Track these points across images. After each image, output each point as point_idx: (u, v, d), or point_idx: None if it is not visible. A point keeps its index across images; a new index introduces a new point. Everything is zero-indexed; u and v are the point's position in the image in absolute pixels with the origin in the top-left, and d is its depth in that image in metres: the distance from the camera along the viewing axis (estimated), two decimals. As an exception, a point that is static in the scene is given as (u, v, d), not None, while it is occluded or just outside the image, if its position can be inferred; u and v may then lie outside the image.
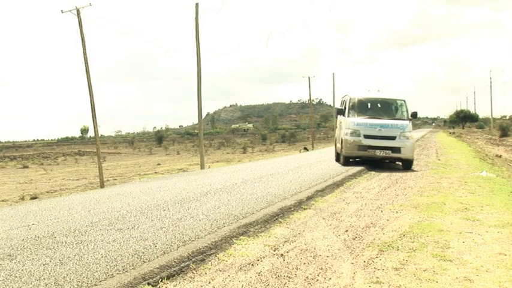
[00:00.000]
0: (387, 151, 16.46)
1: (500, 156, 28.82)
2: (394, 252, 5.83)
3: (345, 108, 18.10)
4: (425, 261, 5.40)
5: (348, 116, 17.45)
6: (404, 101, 17.88)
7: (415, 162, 17.84)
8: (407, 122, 17.04)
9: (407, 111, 17.53)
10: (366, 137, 16.64)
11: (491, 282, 4.65)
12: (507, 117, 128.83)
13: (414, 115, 17.46)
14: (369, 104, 18.03)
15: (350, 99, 17.94)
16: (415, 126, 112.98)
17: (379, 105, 17.96)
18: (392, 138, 16.47)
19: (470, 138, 54.76)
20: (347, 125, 17.12)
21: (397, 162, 18.00)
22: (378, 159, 17.01)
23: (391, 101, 18.15)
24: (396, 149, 16.44)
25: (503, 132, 63.25)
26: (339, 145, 18.33)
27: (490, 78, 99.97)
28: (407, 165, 16.68)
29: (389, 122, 16.81)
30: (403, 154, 16.50)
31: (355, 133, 16.77)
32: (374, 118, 17.11)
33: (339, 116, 19.03)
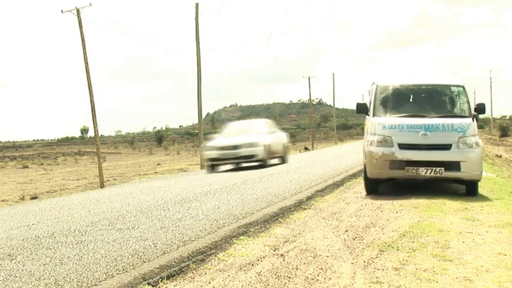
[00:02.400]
0: (438, 168, 10.04)
1: (500, 156, 28.83)
2: (394, 252, 5.83)
3: (370, 103, 11.60)
4: (425, 261, 5.40)
5: (374, 115, 11.09)
6: (463, 87, 11.25)
7: None
8: (469, 120, 10.52)
9: (468, 102, 10.98)
10: (403, 147, 10.32)
11: (491, 282, 4.65)
12: (507, 117, 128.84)
13: (480, 109, 10.76)
14: (408, 95, 11.80)
15: (377, 87, 11.52)
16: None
17: (423, 96, 11.76)
18: (446, 147, 10.17)
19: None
20: (372, 129, 10.80)
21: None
22: (424, 181, 10.86)
23: (443, 88, 11.66)
24: (453, 165, 10.09)
25: (503, 132, 63.30)
26: (364, 160, 11.38)
27: (490, 78, 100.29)
28: (471, 188, 10.29)
29: (441, 121, 10.44)
30: (465, 172, 10.04)
31: (384, 142, 10.48)
32: (415, 117, 10.73)
33: (366, 117, 11.79)
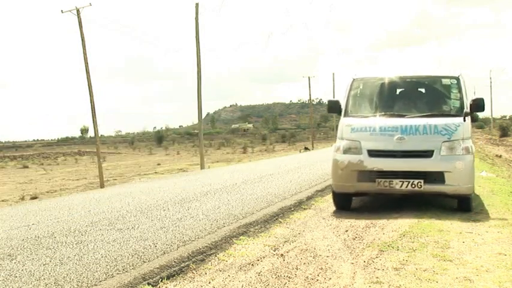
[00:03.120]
0: (416, 181, 8.06)
1: (500, 156, 28.83)
2: (394, 252, 5.83)
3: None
4: (425, 261, 5.40)
5: (345, 115, 9.09)
6: (457, 79, 8.97)
7: None
8: (459, 120, 8.36)
9: (461, 98, 8.74)
10: (373, 154, 8.40)
11: (491, 282, 4.65)
12: (507, 117, 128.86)
13: (478, 105, 8.56)
14: (388, 90, 9.55)
15: (353, 81, 9.50)
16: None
17: (406, 91, 9.64)
18: (427, 154, 8.16)
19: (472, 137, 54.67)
20: (340, 133, 8.97)
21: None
22: (400, 196, 8.99)
23: (431, 80, 9.46)
24: (435, 176, 8.07)
25: (503, 132, 63.29)
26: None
27: (490, 78, 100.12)
28: (463, 204, 8.36)
29: (422, 121, 8.37)
30: (451, 185, 8.01)
31: (352, 148, 8.60)
32: (392, 116, 8.78)
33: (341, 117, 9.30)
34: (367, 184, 8.36)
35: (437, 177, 8.05)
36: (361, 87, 9.59)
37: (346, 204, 8.98)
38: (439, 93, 9.26)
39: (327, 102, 9.59)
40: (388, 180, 8.20)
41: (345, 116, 9.05)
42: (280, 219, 8.17)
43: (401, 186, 8.13)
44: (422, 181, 8.03)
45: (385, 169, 8.25)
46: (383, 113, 8.93)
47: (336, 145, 8.83)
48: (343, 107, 9.13)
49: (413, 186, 8.08)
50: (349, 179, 8.48)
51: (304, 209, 9.16)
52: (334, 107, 9.30)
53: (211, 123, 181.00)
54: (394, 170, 8.21)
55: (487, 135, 67.62)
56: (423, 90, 9.59)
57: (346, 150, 8.61)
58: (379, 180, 8.23)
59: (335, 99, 9.54)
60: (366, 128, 8.60)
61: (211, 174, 17.41)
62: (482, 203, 9.04)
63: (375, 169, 8.29)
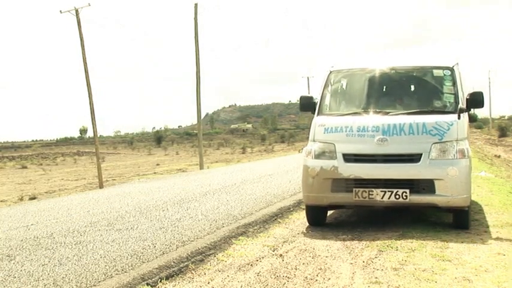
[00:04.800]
0: (401, 191, 6.73)
1: (499, 157, 28.87)
2: (393, 252, 5.83)
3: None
4: (424, 261, 5.40)
5: (319, 113, 7.75)
6: (451, 69, 7.60)
7: None
8: (452, 117, 7.00)
9: (456, 93, 7.38)
10: (350, 159, 7.09)
11: (490, 282, 4.65)
12: (506, 118, 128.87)
13: (476, 100, 7.35)
14: (370, 83, 8.02)
15: (329, 74, 8.11)
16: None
17: (391, 84, 8.10)
18: (413, 158, 6.85)
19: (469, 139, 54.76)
20: (312, 134, 7.56)
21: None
22: (382, 209, 7.63)
23: (421, 71, 8.05)
24: (423, 185, 6.79)
25: (502, 133, 63.29)
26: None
27: (489, 78, 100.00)
28: (458, 219, 7.11)
29: (408, 119, 7.04)
30: (443, 196, 6.69)
31: (325, 152, 7.25)
32: (371, 113, 7.47)
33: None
34: (343, 195, 7.03)
35: (426, 186, 6.75)
36: (339, 80, 8.24)
37: (320, 218, 7.73)
38: (429, 86, 7.86)
39: (299, 99, 8.15)
40: (367, 190, 6.83)
41: (318, 114, 7.70)
42: (279, 220, 8.17)
43: (383, 197, 6.76)
44: (408, 191, 6.69)
45: (363, 177, 6.94)
46: (362, 110, 7.60)
47: (307, 148, 7.46)
48: (317, 104, 7.82)
49: (397, 197, 6.71)
50: (322, 189, 7.14)
51: (304, 209, 9.15)
52: (307, 104, 7.99)
53: (210, 124, 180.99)
54: (375, 177, 6.90)
55: (485, 135, 67.66)
56: (411, 82, 8.16)
57: (319, 155, 7.25)
58: (357, 190, 6.87)
59: (309, 95, 8.24)
60: (342, 128, 7.24)
61: (210, 175, 17.41)
62: (481, 203, 9.05)
63: (351, 177, 6.97)
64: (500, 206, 8.79)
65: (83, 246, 6.42)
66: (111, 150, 72.58)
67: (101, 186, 22.30)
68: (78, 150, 75.83)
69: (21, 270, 5.42)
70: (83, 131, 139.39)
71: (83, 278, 5.07)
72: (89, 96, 25.47)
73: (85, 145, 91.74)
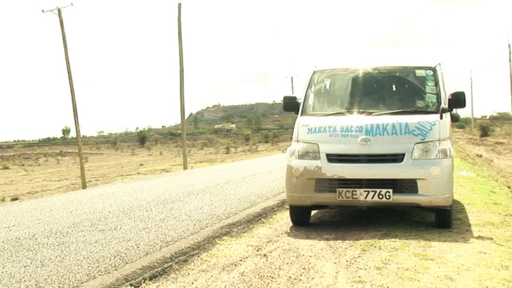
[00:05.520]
0: (384, 191, 6.86)
1: (480, 156, 29.14)
2: (377, 251, 5.86)
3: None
4: (407, 260, 5.44)
5: (303, 114, 7.85)
6: (433, 69, 7.77)
7: None
8: (434, 117, 7.17)
9: (438, 93, 7.53)
10: (333, 159, 7.18)
11: (472, 281, 4.70)
12: (487, 117, 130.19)
13: (458, 100, 7.45)
14: (353, 83, 8.14)
15: (313, 74, 8.26)
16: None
17: (373, 84, 8.27)
18: (396, 158, 6.97)
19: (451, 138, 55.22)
20: (295, 134, 7.67)
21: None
22: (366, 209, 7.63)
23: (403, 71, 8.15)
24: (406, 185, 6.90)
25: (484, 132, 63.84)
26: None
27: (471, 78, 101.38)
28: (441, 218, 7.19)
29: (391, 119, 7.17)
30: (425, 195, 6.79)
31: (309, 152, 7.34)
32: (354, 113, 7.59)
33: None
34: (327, 195, 7.11)
35: (408, 185, 6.83)
36: (322, 80, 8.34)
37: (303, 218, 7.78)
38: (412, 86, 7.95)
39: (283, 99, 8.15)
40: (351, 190, 6.92)
41: (302, 114, 7.78)
42: (263, 220, 8.18)
43: (366, 197, 6.87)
44: (391, 191, 6.80)
45: (347, 177, 7.00)
46: (345, 110, 7.70)
47: (291, 149, 7.54)
48: (301, 104, 7.90)
49: (380, 197, 6.81)
50: (306, 189, 7.20)
51: (287, 209, 9.16)
52: (291, 104, 8.05)
53: (194, 124, 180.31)
54: (358, 177, 6.98)
55: (467, 135, 68.27)
56: (394, 82, 8.26)
57: (302, 155, 7.32)
58: (341, 190, 6.96)
59: (292, 95, 8.33)
60: (325, 128, 7.31)
61: (194, 175, 17.37)
62: (463, 203, 9.13)
63: (335, 177, 7.04)
64: (482, 205, 8.88)
65: (65, 247, 6.38)
66: (94, 151, 72.07)
67: (84, 187, 22.14)
68: (60, 150, 75.17)
69: (2, 272, 5.36)
70: (66, 131, 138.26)
71: (65, 279, 5.04)
72: (72, 96, 25.28)
73: (68, 145, 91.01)
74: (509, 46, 59.71)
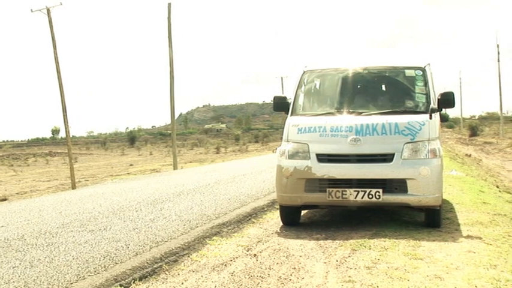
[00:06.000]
0: (374, 191, 6.86)
1: (469, 156, 29.30)
2: (366, 251, 5.88)
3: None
4: (397, 259, 5.46)
5: (293, 114, 7.90)
6: (423, 69, 7.81)
7: None
8: (424, 117, 7.19)
9: (427, 93, 7.58)
10: (323, 159, 7.18)
11: (461, 280, 4.72)
12: (476, 117, 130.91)
13: (447, 100, 7.49)
14: (343, 83, 8.15)
15: (303, 74, 8.30)
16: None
17: (363, 84, 8.23)
18: (386, 158, 6.98)
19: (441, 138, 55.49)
20: (285, 134, 7.65)
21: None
22: (356, 209, 7.78)
23: (393, 71, 8.22)
24: (395, 185, 6.91)
25: (473, 132, 64.31)
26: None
27: (460, 78, 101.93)
28: (430, 218, 7.22)
29: (381, 119, 7.19)
30: (415, 195, 6.80)
31: (299, 152, 7.34)
32: (344, 113, 7.59)
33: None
34: (317, 195, 7.11)
35: (398, 185, 6.85)
36: (312, 80, 8.34)
37: (294, 218, 7.80)
38: (401, 86, 7.97)
39: (273, 99, 8.19)
40: (340, 190, 6.93)
41: (292, 114, 7.83)
42: (253, 219, 8.18)
43: (356, 197, 6.87)
44: (381, 191, 6.80)
45: (337, 177, 6.99)
46: (335, 110, 7.72)
47: (281, 149, 7.51)
48: (291, 104, 7.94)
49: (370, 196, 6.82)
50: (296, 189, 7.20)
51: (277, 208, 9.17)
52: (281, 104, 8.08)
53: (184, 124, 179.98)
54: (348, 177, 6.98)
55: (457, 134, 68.68)
56: (383, 82, 8.27)
57: (292, 155, 7.32)
58: (330, 190, 6.96)
59: (283, 95, 8.36)
60: (315, 128, 7.32)
61: (184, 175, 17.34)
62: (452, 202, 9.18)
63: (325, 177, 7.04)
64: (471, 204, 8.93)
65: (54, 247, 6.34)
66: (83, 151, 71.79)
67: (73, 187, 22.03)
68: (50, 150, 74.76)
69: (-9, 273, 5.33)
70: (55, 131, 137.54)
71: (54, 279, 5.01)
72: (61, 96, 25.13)
73: (57, 146, 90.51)
74: (497, 46, 60.04)
